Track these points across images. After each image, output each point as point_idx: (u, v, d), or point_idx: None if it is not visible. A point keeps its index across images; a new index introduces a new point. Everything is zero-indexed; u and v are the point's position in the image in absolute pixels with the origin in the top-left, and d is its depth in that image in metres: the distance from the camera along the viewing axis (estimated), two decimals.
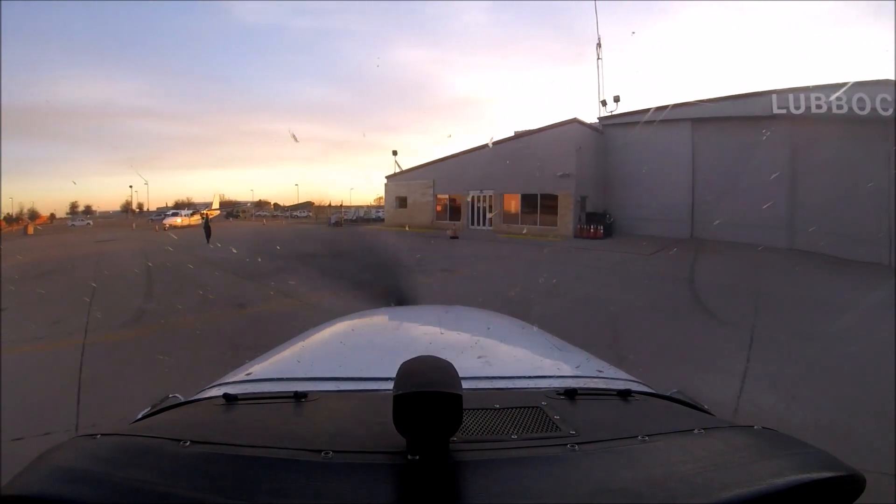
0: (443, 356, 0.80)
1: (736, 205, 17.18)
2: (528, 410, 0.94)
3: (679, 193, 20.63)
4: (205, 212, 40.12)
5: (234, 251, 15.55)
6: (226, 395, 0.99)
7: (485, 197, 24.67)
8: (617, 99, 24.19)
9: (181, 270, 12.06)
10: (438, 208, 27.16)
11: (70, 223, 51.08)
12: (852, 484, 0.73)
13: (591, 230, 20.68)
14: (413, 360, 0.79)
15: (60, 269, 12.94)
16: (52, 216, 64.43)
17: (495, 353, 1.50)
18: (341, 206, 46.77)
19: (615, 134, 23.34)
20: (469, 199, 25.18)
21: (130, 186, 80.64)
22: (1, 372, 4.56)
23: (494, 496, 0.67)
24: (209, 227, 20.88)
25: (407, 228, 24.91)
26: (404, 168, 29.66)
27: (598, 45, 26.89)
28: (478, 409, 0.91)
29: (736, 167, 17.76)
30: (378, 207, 44.10)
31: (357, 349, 1.59)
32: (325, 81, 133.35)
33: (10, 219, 52.73)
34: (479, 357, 1.33)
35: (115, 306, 7.58)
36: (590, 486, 0.69)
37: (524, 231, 21.76)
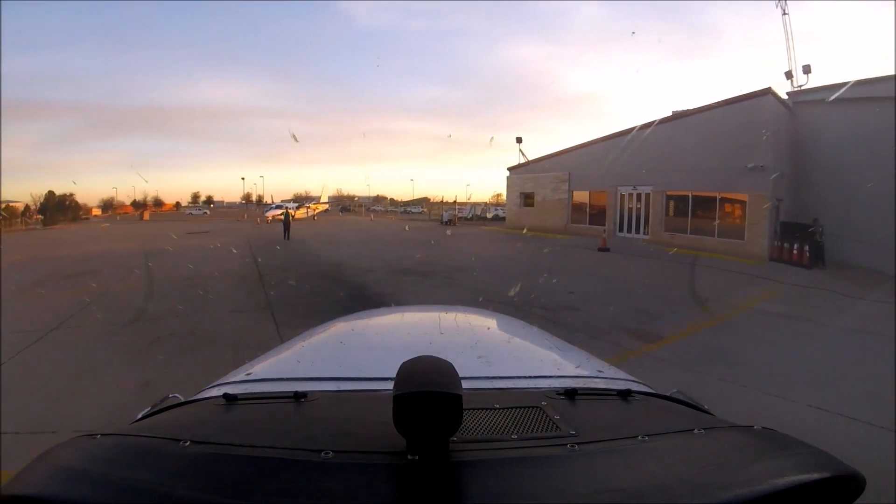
0: (443, 356, 0.82)
1: None
2: (528, 410, 0.97)
3: None
4: (312, 205, 41.89)
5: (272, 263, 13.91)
6: (226, 395, 1.02)
7: (639, 195, 19.65)
8: (807, 69, 17.27)
9: (176, 282, 10.19)
10: (575, 208, 22.82)
11: (188, 212, 62.51)
12: (852, 484, 0.75)
13: (793, 251, 14.15)
14: (413, 360, 0.81)
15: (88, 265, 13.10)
16: (178, 204, 75.42)
17: (495, 353, 1.57)
18: (455, 202, 44.45)
19: (813, 115, 16.39)
20: (617, 198, 20.27)
21: (242, 178, 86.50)
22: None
23: (494, 496, 0.69)
24: (289, 222, 21.36)
25: (525, 231, 20.85)
26: (530, 158, 25.55)
27: None
28: (478, 409, 0.94)
29: None
30: (497, 205, 41.49)
31: (357, 349, 1.65)
32: (440, 80, 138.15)
33: (136, 204, 67.09)
34: (479, 357, 1.38)
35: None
36: (590, 486, 0.71)
37: (696, 245, 16.35)
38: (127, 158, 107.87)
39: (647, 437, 0.85)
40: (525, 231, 21.51)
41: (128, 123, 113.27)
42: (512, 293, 8.36)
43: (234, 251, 16.18)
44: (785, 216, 15.75)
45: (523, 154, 26.21)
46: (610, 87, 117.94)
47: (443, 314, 2.14)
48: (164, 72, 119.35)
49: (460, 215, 35.60)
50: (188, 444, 0.78)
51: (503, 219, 29.37)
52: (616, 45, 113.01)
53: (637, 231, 19.84)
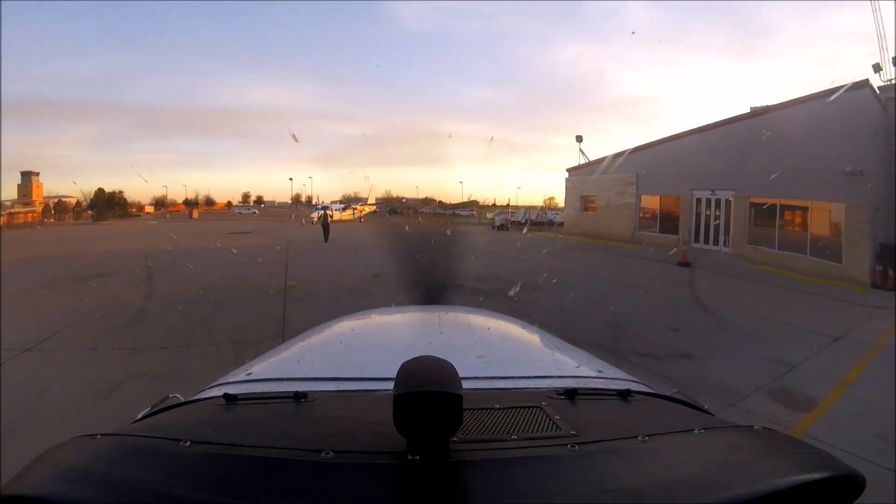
0: (443, 356, 0.83)
1: None
2: (529, 410, 0.98)
3: None
4: (359, 206, 41.89)
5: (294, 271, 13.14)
6: (226, 395, 1.03)
7: (717, 201, 18.20)
8: None
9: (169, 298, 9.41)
10: (643, 214, 21.48)
11: (238, 212, 66.15)
12: (852, 484, 0.76)
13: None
14: (413, 360, 0.82)
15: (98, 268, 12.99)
16: (229, 203, 79.56)
17: (495, 353, 1.56)
18: (508, 205, 43.17)
19: None
20: (693, 204, 18.83)
21: (290, 179, 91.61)
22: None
23: (495, 496, 0.70)
24: (328, 224, 21.14)
25: (586, 238, 19.63)
26: (591, 159, 24.23)
27: None
28: (478, 409, 0.95)
29: None
30: (550, 209, 40.22)
31: (357, 349, 1.66)
32: (490, 82, 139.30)
33: (188, 203, 71.92)
34: (479, 357, 1.39)
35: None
36: (590, 487, 0.72)
37: (786, 263, 14.79)
38: (179, 158, 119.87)
39: (647, 437, 0.86)
40: (586, 238, 20.40)
41: (181, 124, 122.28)
42: (602, 332, 7.18)
43: (267, 255, 15.90)
44: (882, 232, 14.02)
45: (584, 154, 24.97)
46: (663, 87, 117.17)
47: (443, 314, 2.17)
48: (217, 75, 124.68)
49: (513, 219, 34.30)
50: (188, 444, 0.79)
51: (560, 224, 28.16)
52: (669, 44, 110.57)
53: (715, 242, 18.42)
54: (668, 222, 20.21)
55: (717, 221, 18.33)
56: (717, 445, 0.87)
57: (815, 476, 0.74)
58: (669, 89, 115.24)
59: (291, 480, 0.71)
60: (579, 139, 25.38)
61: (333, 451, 0.77)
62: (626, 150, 21.89)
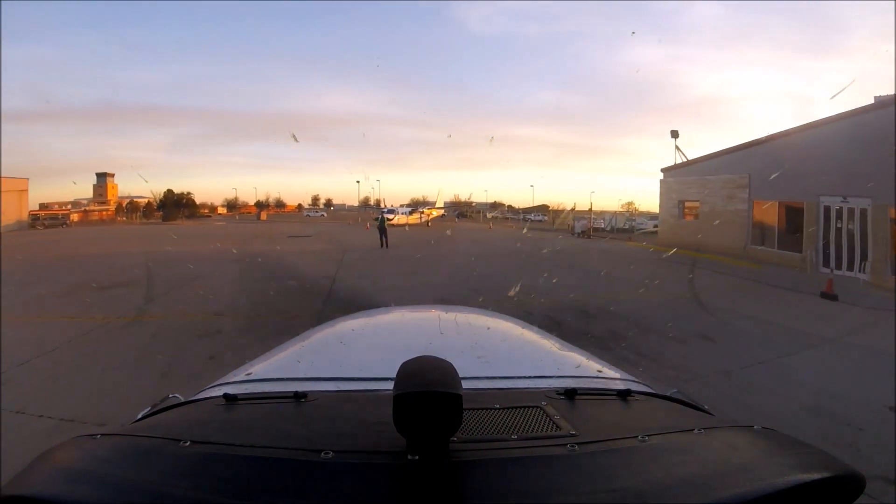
0: (443, 356, 0.85)
1: None
2: (528, 410, 1.00)
3: None
4: (426, 210, 41.59)
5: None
6: (226, 395, 1.06)
7: (850, 211, 15.08)
8: None
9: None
10: (757, 222, 18.29)
11: (306, 214, 69.93)
12: (852, 484, 0.77)
13: None
14: (413, 360, 0.84)
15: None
16: (300, 206, 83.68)
17: (495, 353, 1.60)
18: (591, 210, 40.64)
19: None
20: (820, 214, 15.66)
21: (357, 182, 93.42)
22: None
23: (494, 496, 0.71)
24: (384, 227, 20.47)
25: (679, 251, 17.11)
26: (689, 157, 21.47)
27: None
28: (478, 409, 0.97)
29: None
30: (634, 214, 37.70)
31: (357, 349, 1.70)
32: (558, 85, 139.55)
33: (259, 205, 77.28)
34: (479, 357, 1.42)
35: None
36: (590, 486, 0.73)
37: None
38: (254, 162, 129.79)
39: (646, 437, 0.87)
40: (685, 250, 18.02)
41: (256, 129, 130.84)
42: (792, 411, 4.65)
43: (320, 261, 15.18)
44: None
45: (681, 151, 22.03)
46: (725, 88, 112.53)
47: (443, 314, 2.17)
48: (290, 81, 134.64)
49: (595, 226, 31.82)
50: (188, 444, 0.80)
51: (653, 232, 25.76)
52: (743, 43, 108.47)
53: (849, 266, 14.94)
54: (788, 235, 17.07)
55: (851, 238, 15.07)
56: (716, 445, 0.89)
57: (815, 476, 0.75)
58: (742, 89, 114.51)
59: (291, 480, 0.72)
60: (675, 134, 22.50)
61: (333, 451, 0.78)
62: (736, 147, 18.99)
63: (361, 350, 1.67)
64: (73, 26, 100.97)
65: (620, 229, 32.73)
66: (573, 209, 39.82)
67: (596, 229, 30.58)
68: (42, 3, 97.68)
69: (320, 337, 1.85)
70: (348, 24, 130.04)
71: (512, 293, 9.49)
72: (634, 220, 36.01)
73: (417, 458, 0.74)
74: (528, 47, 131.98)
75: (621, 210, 53.25)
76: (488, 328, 1.97)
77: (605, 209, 52.33)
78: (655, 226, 30.73)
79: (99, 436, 0.83)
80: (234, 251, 17.79)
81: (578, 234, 28.20)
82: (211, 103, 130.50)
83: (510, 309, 8.80)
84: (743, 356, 6.52)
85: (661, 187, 22.75)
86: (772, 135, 17.74)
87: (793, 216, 17.02)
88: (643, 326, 7.92)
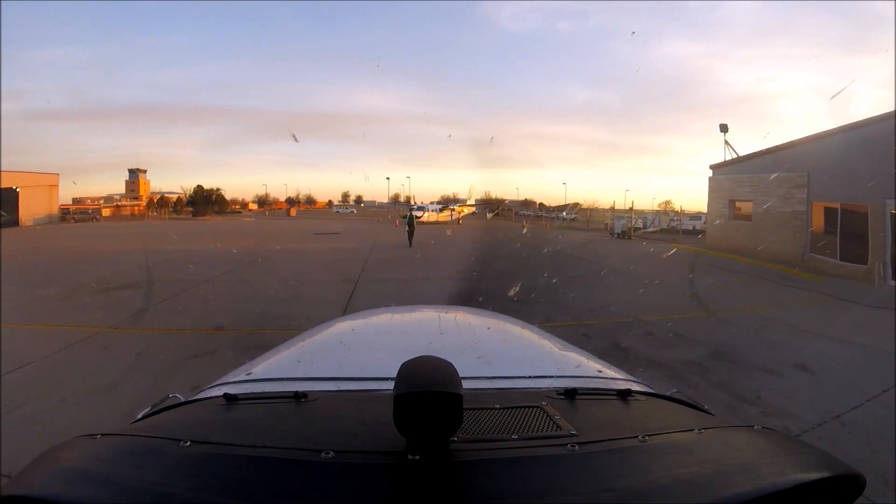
0: (443, 356, 0.85)
1: None
2: (529, 410, 1.00)
3: None
4: (457, 207, 41.03)
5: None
6: (226, 395, 1.05)
7: None
8: None
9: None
10: (816, 227, 16.62)
11: (336, 210, 70.18)
12: (852, 484, 0.77)
13: None
14: (413, 360, 0.84)
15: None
16: (330, 202, 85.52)
17: (495, 353, 1.60)
18: (632, 209, 39.18)
19: None
20: (886, 219, 13.93)
21: (387, 178, 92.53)
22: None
23: (494, 496, 0.71)
24: (413, 226, 19.89)
25: (729, 256, 15.83)
26: (740, 153, 19.94)
27: None
28: (478, 409, 0.96)
29: None
30: (676, 214, 36.34)
31: (357, 349, 1.70)
32: (590, 82, 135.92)
33: (290, 201, 78.29)
34: (479, 357, 1.42)
35: None
36: (590, 486, 0.73)
37: None
38: (285, 159, 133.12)
39: (647, 437, 0.86)
40: (735, 255, 16.92)
41: (288, 127, 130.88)
42: None
43: (344, 262, 14.42)
44: None
45: (730, 147, 20.32)
46: (761, 85, 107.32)
47: (443, 314, 2.18)
48: (321, 80, 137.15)
49: (636, 226, 30.18)
50: (188, 444, 0.80)
51: (700, 232, 24.51)
52: (777, 39, 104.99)
53: None
54: (852, 242, 15.23)
55: None
56: (716, 445, 0.89)
57: (815, 476, 0.75)
58: (780, 86, 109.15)
59: (291, 480, 0.72)
60: (724, 129, 20.77)
61: (334, 451, 0.77)
62: (792, 142, 17.31)
63: (362, 350, 1.69)
64: (110, 29, 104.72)
65: (667, 231, 31.27)
66: (612, 208, 38.10)
67: (636, 229, 29.18)
68: (80, 3, 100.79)
69: (320, 337, 1.86)
70: (380, 24, 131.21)
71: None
72: (679, 220, 34.31)
73: (418, 457, 0.74)
74: (560, 45, 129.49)
75: (658, 209, 51.97)
76: (488, 328, 1.99)
77: (643, 208, 51.17)
78: (695, 227, 29.38)
79: (99, 436, 0.84)
80: (247, 250, 17.15)
81: (618, 234, 26.92)
82: (244, 102, 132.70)
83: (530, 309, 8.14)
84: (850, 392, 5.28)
85: (709, 184, 21.20)
86: (831, 129, 16.17)
87: (855, 220, 15.26)
88: (722, 354, 6.68)
